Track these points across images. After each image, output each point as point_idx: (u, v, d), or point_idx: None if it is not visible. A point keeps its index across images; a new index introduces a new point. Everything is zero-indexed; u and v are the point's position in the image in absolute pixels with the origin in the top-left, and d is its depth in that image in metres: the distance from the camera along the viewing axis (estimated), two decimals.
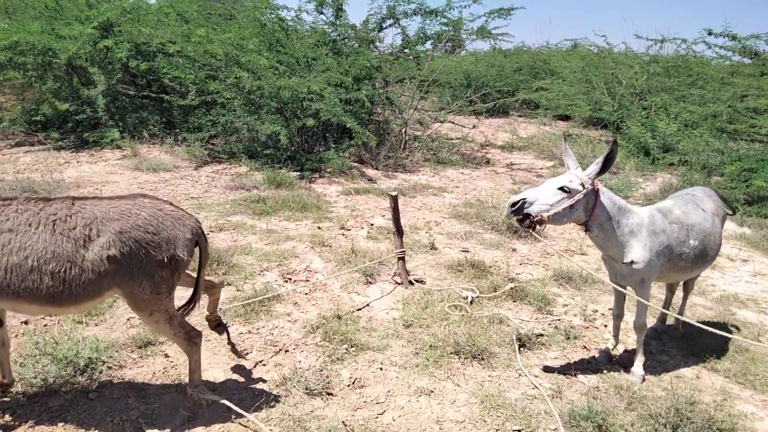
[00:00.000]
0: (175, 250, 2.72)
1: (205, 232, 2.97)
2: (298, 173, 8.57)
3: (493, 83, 15.60)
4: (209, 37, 9.37)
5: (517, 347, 3.83)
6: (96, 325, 3.84)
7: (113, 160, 8.70)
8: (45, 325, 3.78)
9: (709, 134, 9.86)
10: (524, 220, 3.17)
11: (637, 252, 3.34)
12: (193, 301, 3.01)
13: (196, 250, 2.90)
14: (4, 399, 2.98)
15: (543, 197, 3.16)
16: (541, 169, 10.30)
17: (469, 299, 4.55)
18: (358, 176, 8.87)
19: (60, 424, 2.84)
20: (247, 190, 7.56)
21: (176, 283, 2.82)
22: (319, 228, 6.25)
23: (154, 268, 2.68)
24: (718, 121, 9.35)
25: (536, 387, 3.43)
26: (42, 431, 2.79)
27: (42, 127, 9.92)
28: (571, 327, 4.22)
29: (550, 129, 14.27)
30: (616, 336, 3.88)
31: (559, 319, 4.36)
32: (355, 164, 9.51)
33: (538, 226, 3.16)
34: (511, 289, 4.75)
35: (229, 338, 3.50)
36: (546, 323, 4.30)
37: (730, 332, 4.31)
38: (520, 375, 3.56)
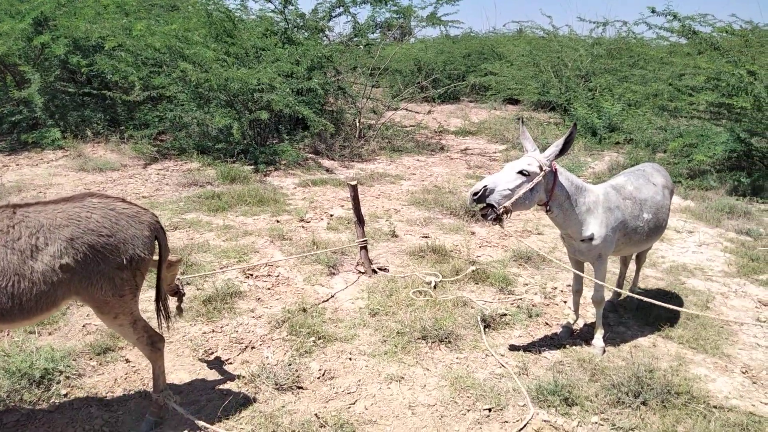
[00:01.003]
0: (134, 250, 2.62)
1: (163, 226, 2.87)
2: (253, 167, 8.41)
3: (442, 69, 15.70)
4: (151, 29, 9.03)
5: (482, 328, 3.90)
6: (50, 333, 3.67)
7: (56, 162, 8.30)
8: None
9: (652, 113, 10.24)
10: (488, 214, 3.22)
11: (594, 228, 3.45)
12: (159, 299, 2.92)
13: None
14: None
15: (503, 182, 3.22)
16: (494, 153, 10.47)
17: (433, 284, 4.60)
18: (314, 167, 8.78)
19: None
20: (200, 186, 7.37)
21: (140, 284, 2.72)
22: (277, 221, 6.16)
23: (114, 271, 2.56)
24: (659, 100, 9.71)
25: (503, 366, 3.50)
26: None
27: None
28: (533, 305, 4.32)
29: (500, 113, 14.49)
30: (576, 311, 3.99)
31: (520, 299, 4.46)
32: (311, 155, 9.41)
33: (504, 217, 3.21)
34: (473, 271, 4.82)
35: (180, 305, 3.34)
36: (508, 303, 4.40)
37: (681, 301, 4.52)
38: (486, 355, 3.63)
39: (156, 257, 2.82)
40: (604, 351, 3.68)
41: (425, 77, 12.63)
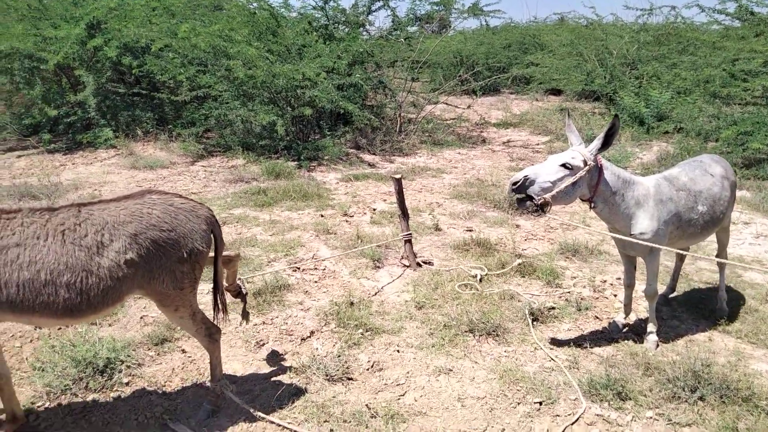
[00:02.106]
0: (193, 244, 2.70)
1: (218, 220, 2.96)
2: (296, 163, 8.54)
3: (483, 61, 15.51)
4: (196, 30, 9.26)
5: (530, 322, 3.86)
6: (110, 325, 3.84)
7: (109, 160, 8.64)
8: (59, 329, 3.77)
9: (703, 100, 9.85)
10: (526, 203, 3.17)
11: (644, 223, 3.34)
12: (216, 292, 3.01)
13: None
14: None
15: (545, 174, 3.15)
16: (537, 144, 10.29)
17: (479, 277, 4.58)
18: (356, 162, 8.84)
19: (86, 425, 2.85)
20: (246, 182, 7.53)
21: (198, 276, 2.81)
22: (322, 216, 6.25)
23: (175, 265, 2.66)
24: (711, 87, 9.34)
25: (553, 359, 3.46)
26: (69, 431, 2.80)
27: (33, 131, 9.81)
28: (582, 299, 4.25)
29: (542, 104, 14.23)
30: (627, 305, 3.89)
31: (569, 292, 4.39)
32: (352, 150, 9.49)
33: (543, 210, 3.15)
34: (519, 264, 4.77)
35: (244, 308, 3.42)
36: (556, 296, 4.34)
37: (740, 294, 4.36)
38: (535, 349, 3.60)
39: (212, 251, 2.91)
40: (658, 345, 3.58)
41: (466, 70, 12.49)
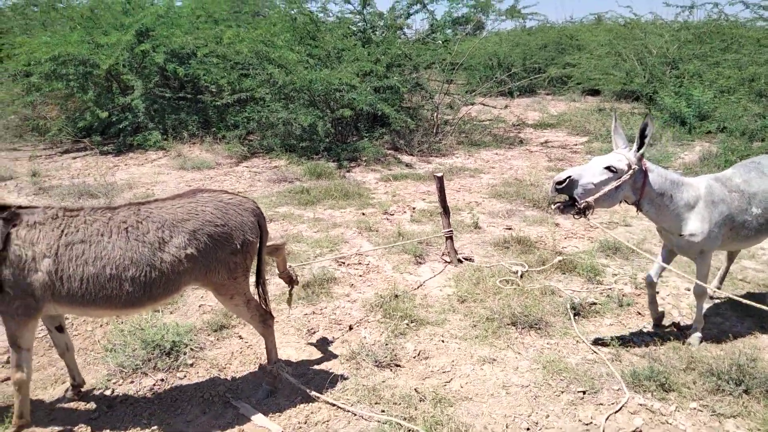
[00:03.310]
0: (244, 236, 2.90)
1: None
2: (336, 163, 8.75)
3: (520, 62, 15.49)
4: (240, 36, 9.59)
5: (571, 316, 3.95)
6: (171, 312, 4.10)
7: (158, 161, 9.03)
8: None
9: (747, 99, 9.67)
10: (567, 208, 3.20)
11: (695, 224, 3.33)
12: (259, 283, 3.20)
13: None
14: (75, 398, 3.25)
15: (589, 175, 3.17)
16: (575, 145, 10.27)
17: (519, 273, 4.68)
18: (394, 163, 9.01)
19: (156, 401, 3.08)
20: (289, 182, 7.78)
21: (250, 266, 3.01)
22: (363, 214, 6.43)
23: (229, 257, 2.86)
24: (756, 85, 9.16)
25: (595, 352, 3.54)
26: (142, 407, 3.04)
27: (86, 134, 10.32)
28: (623, 295, 4.30)
29: (580, 105, 14.14)
30: (653, 304, 3.80)
31: (610, 288, 4.45)
32: (390, 151, 9.66)
33: (584, 214, 3.18)
34: (560, 261, 4.84)
35: (290, 290, 3.58)
36: (597, 293, 4.40)
37: None
38: (577, 342, 3.68)
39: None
40: (701, 341, 3.62)
41: (502, 71, 12.53)
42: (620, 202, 3.35)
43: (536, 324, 3.84)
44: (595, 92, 15.38)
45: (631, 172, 3.18)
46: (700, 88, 10.58)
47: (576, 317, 3.97)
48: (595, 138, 10.40)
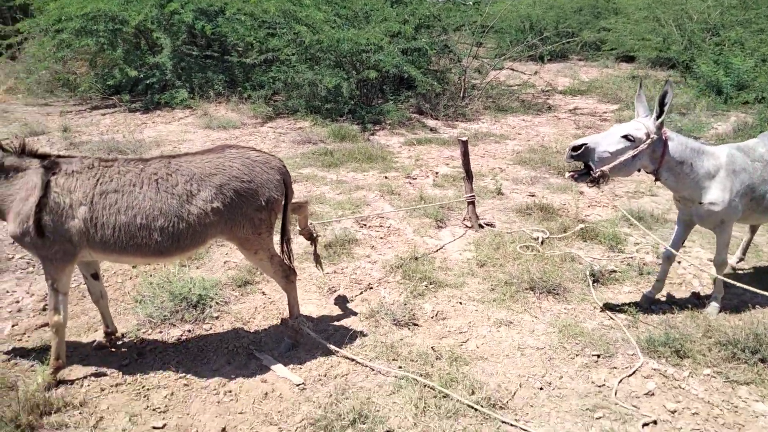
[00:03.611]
0: (269, 193, 2.97)
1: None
2: (360, 126, 8.74)
3: (553, 26, 15.03)
4: None
5: (590, 282, 3.96)
6: (197, 267, 4.23)
7: (185, 119, 9.14)
8: (153, 268, 4.19)
9: None
10: (581, 177, 3.19)
11: (715, 193, 3.29)
12: (283, 240, 3.28)
13: None
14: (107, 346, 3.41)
15: (605, 144, 3.13)
16: (605, 113, 10.04)
17: (540, 240, 4.68)
18: (418, 127, 8.96)
19: (184, 351, 3.23)
20: (313, 143, 7.81)
21: (274, 222, 3.09)
22: (386, 177, 6.45)
23: (253, 212, 2.93)
24: None
25: (612, 318, 3.57)
26: (170, 356, 3.19)
27: (114, 91, 10.46)
28: (644, 264, 4.29)
29: (613, 71, 13.73)
30: (662, 280, 3.72)
31: (631, 257, 4.44)
32: (415, 115, 9.59)
33: (600, 182, 3.16)
34: (581, 229, 4.83)
35: (315, 250, 3.64)
36: (618, 261, 4.39)
37: None
38: (594, 307, 3.71)
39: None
40: (720, 311, 3.61)
41: (534, 35, 12.19)
42: (638, 170, 3.32)
43: (554, 289, 3.87)
44: (629, 59, 14.89)
45: (649, 141, 3.14)
46: (740, 56, 10.17)
47: (595, 284, 3.98)
48: (627, 106, 10.14)
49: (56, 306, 2.84)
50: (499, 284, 3.98)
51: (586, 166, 3.19)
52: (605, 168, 3.13)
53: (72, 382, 2.95)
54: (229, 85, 10.61)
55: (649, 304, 3.73)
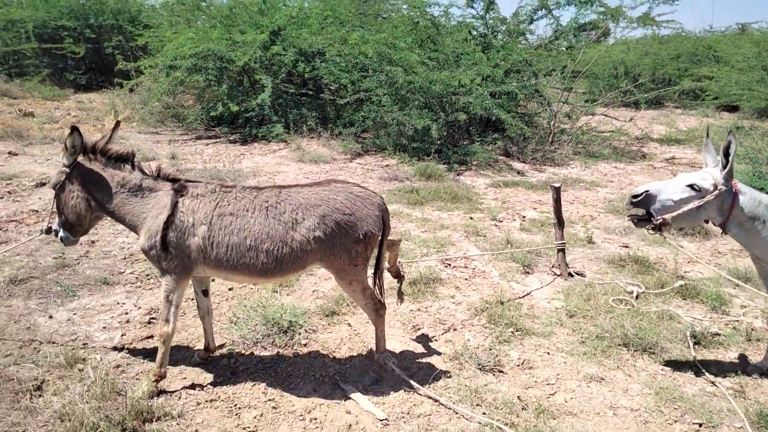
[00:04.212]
0: (368, 227, 3.08)
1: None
2: (446, 166, 8.82)
3: (648, 73, 14.59)
4: (364, 38, 9.95)
5: (691, 344, 3.72)
6: (287, 294, 4.40)
7: (280, 152, 9.63)
8: (248, 292, 4.40)
9: None
10: (640, 222, 3.09)
11: None
12: (376, 273, 3.35)
13: None
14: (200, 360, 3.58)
15: (668, 192, 3.04)
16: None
17: (635, 294, 4.47)
18: (504, 169, 8.91)
19: (273, 374, 3.34)
20: (400, 181, 7.97)
21: (370, 256, 3.18)
22: (471, 218, 6.45)
23: (351, 244, 3.05)
24: None
25: (714, 384, 3.32)
26: (260, 377, 3.31)
27: (217, 123, 11.25)
28: (752, 329, 3.98)
29: (713, 121, 13.07)
30: None
31: (737, 320, 4.13)
32: (501, 157, 9.56)
33: (660, 230, 3.06)
34: (681, 286, 4.56)
35: (400, 287, 3.66)
36: (722, 323, 4.10)
37: None
38: (696, 372, 3.47)
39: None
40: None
41: (629, 81, 11.89)
42: (705, 222, 3.17)
43: (650, 348, 3.66)
44: (732, 108, 14.13)
45: (716, 192, 2.98)
46: None
47: (696, 346, 3.74)
48: None
49: (167, 317, 3.07)
50: (589, 337, 3.83)
51: (647, 213, 3.09)
52: (667, 216, 3.01)
53: (172, 393, 3.13)
54: (321, 122, 11.10)
55: (759, 375, 3.43)
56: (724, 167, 3.01)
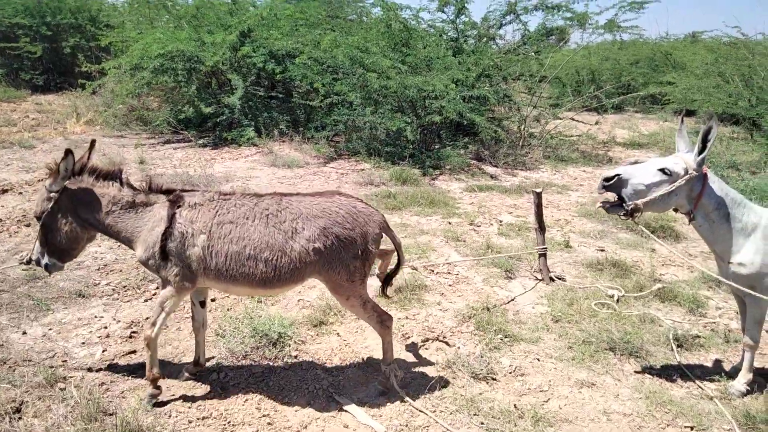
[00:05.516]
0: (366, 245, 3.04)
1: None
2: (420, 170, 8.83)
3: (614, 78, 14.99)
4: (337, 41, 9.88)
5: (674, 347, 3.82)
6: (272, 305, 4.31)
7: (251, 157, 9.46)
8: (232, 302, 4.29)
9: None
10: (612, 208, 3.09)
11: (747, 254, 3.03)
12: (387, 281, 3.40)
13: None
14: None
15: (640, 176, 3.02)
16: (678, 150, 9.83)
17: (616, 298, 4.57)
18: (477, 173, 9.00)
19: (265, 388, 3.26)
20: (375, 185, 7.94)
21: (368, 272, 3.14)
22: (449, 223, 6.47)
23: (350, 260, 3.00)
24: None
25: (700, 387, 3.42)
26: (252, 392, 3.22)
27: (184, 126, 10.96)
28: (729, 330, 4.12)
29: (672, 125, 13.53)
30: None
31: (714, 322, 4.27)
32: (474, 161, 9.64)
33: (632, 216, 3.06)
34: (659, 289, 4.69)
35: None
36: (700, 325, 4.23)
37: None
38: (681, 374, 3.56)
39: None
40: (744, 395, 3.29)
41: (595, 87, 12.19)
42: (675, 210, 3.18)
43: (636, 352, 3.74)
44: (689, 113, 14.65)
45: (687, 177, 2.99)
46: None
47: (678, 349, 3.84)
48: None
49: (155, 321, 2.99)
50: (576, 342, 3.89)
51: (619, 198, 3.09)
52: (639, 202, 3.02)
53: (162, 409, 3.01)
54: (292, 125, 10.97)
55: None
56: (701, 152, 2.99)
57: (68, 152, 2.92)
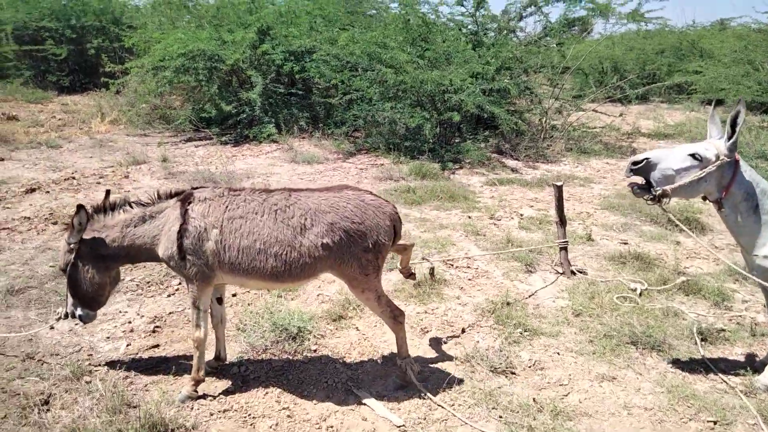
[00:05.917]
0: (377, 237, 3.04)
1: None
2: (439, 164, 8.80)
3: (638, 68, 14.70)
4: (354, 38, 9.88)
5: (698, 341, 3.75)
6: (292, 299, 4.35)
7: (272, 153, 9.54)
8: (252, 297, 4.34)
9: None
10: (641, 192, 3.03)
11: None
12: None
13: None
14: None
15: (669, 161, 2.96)
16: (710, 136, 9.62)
17: (638, 291, 4.50)
18: (498, 167, 8.93)
19: (285, 382, 3.30)
20: (395, 180, 7.94)
21: (381, 264, 3.15)
22: (469, 217, 6.44)
23: (361, 253, 3.01)
24: None
25: (725, 381, 3.35)
26: (272, 385, 3.26)
27: (206, 124, 11.11)
28: (756, 324, 4.02)
29: (699, 115, 13.22)
30: None
31: (740, 315, 4.18)
32: (494, 155, 9.57)
33: (661, 201, 3.00)
34: (683, 282, 4.60)
35: (411, 275, 3.70)
36: (725, 319, 4.14)
37: None
38: (705, 369, 3.50)
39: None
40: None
41: (618, 77, 11.96)
42: (703, 198, 3.11)
43: (658, 346, 3.69)
44: (718, 102, 14.30)
45: (718, 163, 2.91)
46: None
47: (702, 342, 3.77)
48: None
49: (198, 323, 3.07)
50: (597, 336, 3.84)
51: (647, 182, 3.04)
52: (667, 188, 2.96)
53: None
54: (312, 122, 11.02)
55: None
56: (730, 138, 2.93)
57: (80, 207, 2.98)
